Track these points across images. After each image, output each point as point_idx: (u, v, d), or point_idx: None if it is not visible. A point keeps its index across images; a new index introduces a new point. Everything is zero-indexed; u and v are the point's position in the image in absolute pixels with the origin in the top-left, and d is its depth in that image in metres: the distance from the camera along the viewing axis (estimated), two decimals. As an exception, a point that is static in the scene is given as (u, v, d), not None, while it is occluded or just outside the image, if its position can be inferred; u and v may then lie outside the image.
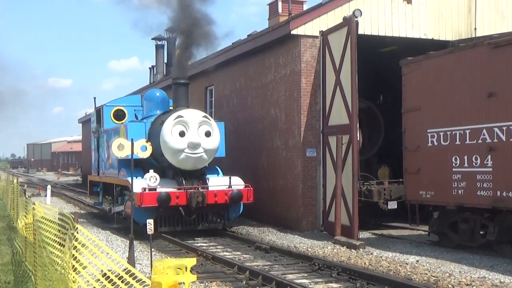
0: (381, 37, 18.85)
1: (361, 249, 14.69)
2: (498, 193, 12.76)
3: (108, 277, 5.32)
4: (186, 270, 3.04)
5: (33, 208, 10.89)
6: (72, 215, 7.07)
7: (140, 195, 15.98)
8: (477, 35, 18.67)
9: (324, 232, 17.51)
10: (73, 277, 5.99)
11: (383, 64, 19.31)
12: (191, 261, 3.03)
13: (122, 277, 5.08)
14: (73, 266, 6.09)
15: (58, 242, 7.60)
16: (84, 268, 5.98)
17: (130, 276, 4.86)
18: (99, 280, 5.50)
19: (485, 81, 13.13)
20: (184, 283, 3.02)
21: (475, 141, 13.37)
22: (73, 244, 6.27)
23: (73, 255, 6.19)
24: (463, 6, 19.56)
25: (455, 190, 13.83)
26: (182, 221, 17.23)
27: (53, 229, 8.35)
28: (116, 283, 5.17)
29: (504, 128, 12.67)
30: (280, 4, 28.93)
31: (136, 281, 4.71)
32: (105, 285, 5.33)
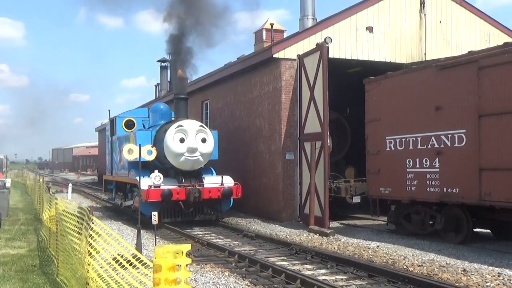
0: (348, 60, 18.94)
1: (331, 236, 14.70)
2: (444, 189, 12.85)
3: (118, 261, 5.28)
4: (182, 254, 3.01)
5: (56, 202, 10.83)
6: (88, 208, 7.02)
7: (146, 192, 15.93)
8: (427, 59, 18.80)
9: (300, 222, 17.49)
10: (88, 261, 5.94)
11: (349, 82, 19.36)
12: (187, 247, 3.01)
13: (130, 261, 5.05)
14: (89, 251, 6.05)
15: (77, 231, 7.56)
16: (98, 253, 5.94)
17: (137, 260, 4.83)
18: (110, 263, 5.45)
19: (433, 96, 13.22)
20: (180, 265, 2.98)
21: (425, 146, 13.45)
22: (89, 232, 6.23)
23: (89, 242, 6.15)
24: (415, 34, 19.70)
25: (409, 187, 13.91)
26: (182, 213, 17.19)
27: (72, 220, 8.30)
28: (125, 266, 5.13)
29: (449, 135, 12.76)
30: (264, 32, 29.07)
31: (142, 265, 4.68)
32: (116, 268, 5.29)
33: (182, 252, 3.00)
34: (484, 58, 12.09)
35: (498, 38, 20.16)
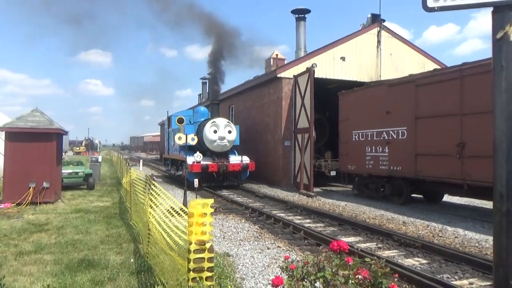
0: (327, 79, 18.72)
1: (314, 197, 14.65)
2: (392, 167, 12.71)
3: (170, 211, 5.26)
4: (207, 206, 2.96)
5: (130, 172, 10.88)
6: (150, 176, 7.02)
7: (191, 165, 15.96)
8: (381, 79, 18.54)
9: (294, 187, 17.44)
10: (149, 211, 5.94)
11: (328, 94, 19.17)
12: (210, 201, 2.95)
13: (178, 212, 5.02)
14: (150, 205, 6.04)
15: (143, 191, 7.56)
16: (156, 206, 5.92)
17: (183, 211, 4.81)
18: (163, 212, 5.44)
19: (385, 104, 13.03)
20: (206, 213, 2.93)
21: (379, 138, 13.29)
22: (150, 192, 6.22)
23: (150, 198, 6.14)
24: (373, 62, 19.41)
25: (368, 165, 13.78)
26: (215, 180, 17.24)
27: (141, 183, 8.32)
28: (174, 215, 5.11)
29: (395, 131, 12.59)
30: (271, 60, 28.88)
31: (185, 213, 4.66)
32: (167, 215, 5.27)
33: (208, 204, 2.95)
34: (420, 79, 11.88)
35: (430, 66, 19.80)
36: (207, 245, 2.78)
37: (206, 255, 2.75)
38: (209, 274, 2.75)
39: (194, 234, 2.74)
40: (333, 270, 1.77)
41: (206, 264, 2.75)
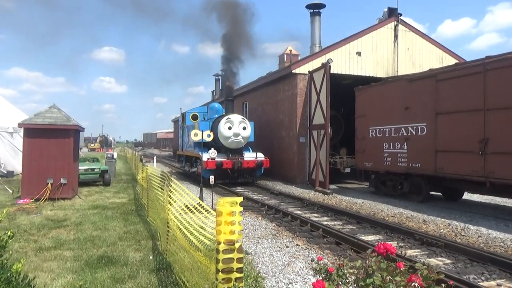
0: (343, 74, 18.45)
1: (330, 195, 14.46)
2: (410, 164, 12.45)
3: (188, 207, 5.18)
4: (236, 204, 2.85)
5: (146, 168, 10.86)
6: (168, 173, 6.95)
7: (206, 162, 15.91)
8: (398, 74, 18.21)
9: (309, 185, 17.27)
10: (168, 208, 5.86)
11: (344, 90, 18.89)
12: (240, 199, 2.84)
13: (196, 207, 4.94)
14: (169, 201, 5.97)
15: (160, 187, 7.51)
16: (174, 202, 5.85)
17: (200, 206, 4.72)
18: (183, 209, 5.36)
19: (403, 100, 12.76)
20: (235, 211, 2.82)
21: (397, 134, 13.02)
22: (169, 188, 6.15)
23: (169, 195, 6.07)
24: (390, 57, 19.06)
25: (385, 162, 13.53)
26: (229, 177, 17.16)
27: (156, 180, 8.27)
28: (192, 211, 5.03)
29: (414, 127, 12.32)
30: (285, 56, 28.69)
31: (204, 210, 4.57)
32: (186, 212, 5.19)
33: (236, 203, 2.84)
34: (441, 73, 11.58)
35: (448, 60, 19.38)
36: (236, 245, 2.67)
37: (235, 255, 2.64)
38: (239, 275, 2.64)
39: (223, 234, 2.63)
40: (383, 276, 1.64)
41: (236, 265, 2.64)
